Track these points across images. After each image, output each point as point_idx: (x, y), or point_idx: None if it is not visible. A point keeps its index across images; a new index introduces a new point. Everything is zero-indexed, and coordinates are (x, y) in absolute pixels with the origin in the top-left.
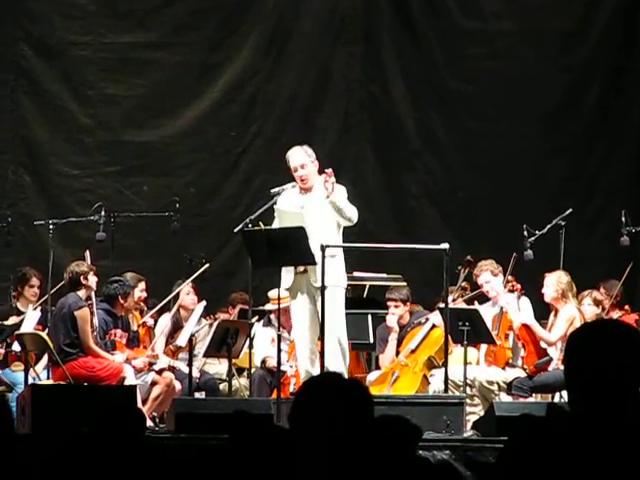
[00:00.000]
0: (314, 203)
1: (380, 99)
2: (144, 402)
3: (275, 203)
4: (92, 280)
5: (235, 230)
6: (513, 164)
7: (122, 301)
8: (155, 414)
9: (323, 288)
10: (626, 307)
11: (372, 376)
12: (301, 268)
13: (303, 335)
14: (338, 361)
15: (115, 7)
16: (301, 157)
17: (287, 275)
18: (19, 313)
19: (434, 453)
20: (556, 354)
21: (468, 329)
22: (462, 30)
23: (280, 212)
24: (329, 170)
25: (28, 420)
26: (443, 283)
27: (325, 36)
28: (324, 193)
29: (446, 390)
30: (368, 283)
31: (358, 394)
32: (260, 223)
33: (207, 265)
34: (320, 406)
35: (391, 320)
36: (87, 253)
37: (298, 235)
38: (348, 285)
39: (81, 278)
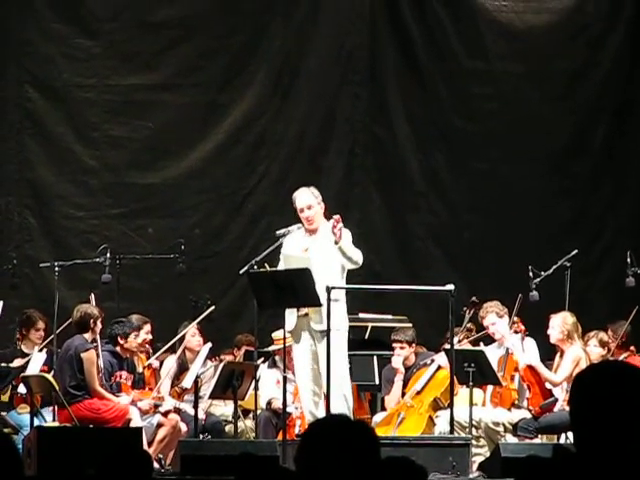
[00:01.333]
0: (319, 245)
1: (385, 140)
2: (150, 444)
3: (281, 245)
4: (99, 326)
5: (241, 272)
6: (518, 205)
7: (122, 341)
8: (161, 456)
9: (329, 330)
10: (631, 348)
11: (378, 417)
12: (303, 311)
13: (305, 378)
14: (341, 404)
15: (120, 49)
16: (307, 198)
17: (290, 317)
18: (24, 355)
19: None
20: (562, 395)
21: (474, 370)
22: (467, 71)
23: (286, 256)
24: (337, 216)
25: (34, 462)
26: (448, 324)
27: (330, 77)
28: (331, 237)
29: (452, 431)
30: (371, 324)
31: (364, 436)
32: (266, 265)
33: (213, 307)
34: (326, 448)
35: (397, 361)
36: (92, 296)
37: (303, 277)
38: (350, 326)
39: (91, 321)
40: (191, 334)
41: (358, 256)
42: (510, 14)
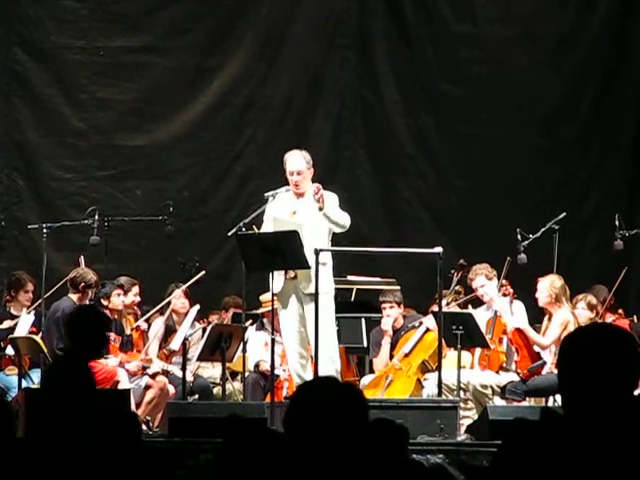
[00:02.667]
0: (307, 208)
1: (373, 104)
2: (138, 406)
3: (270, 207)
4: (89, 294)
5: (229, 234)
6: (507, 168)
7: (105, 302)
8: (149, 418)
9: (317, 293)
10: (620, 311)
11: (366, 380)
12: (291, 274)
13: (292, 341)
14: (328, 367)
15: (108, 11)
16: (298, 163)
17: (277, 280)
18: (12, 317)
19: (428, 457)
20: (550, 358)
21: (462, 333)
22: (455, 35)
23: (274, 219)
24: (317, 185)
25: (22, 424)
26: (437, 287)
27: (319, 41)
28: (316, 204)
29: (440, 394)
30: (359, 287)
31: (353, 398)
32: (254, 227)
33: (203, 272)
34: (315, 410)
35: (386, 323)
36: (81, 259)
37: (291, 239)
38: (338, 289)
39: (81, 285)
40: (176, 296)
41: (345, 220)
42: None
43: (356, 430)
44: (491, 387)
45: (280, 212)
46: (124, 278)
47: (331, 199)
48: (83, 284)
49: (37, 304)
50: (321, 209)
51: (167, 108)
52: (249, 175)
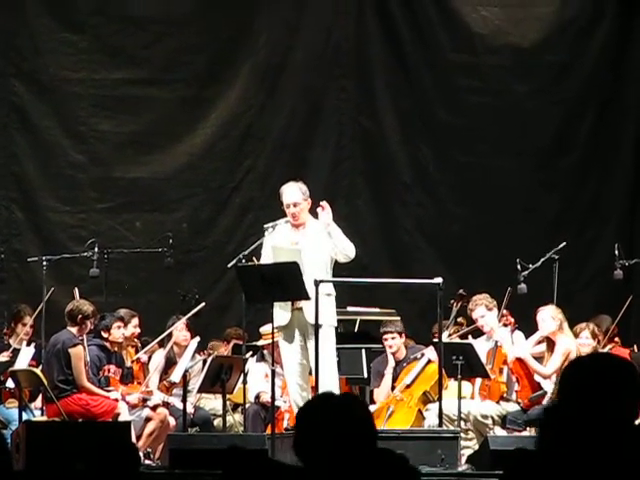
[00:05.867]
0: (307, 239)
1: (372, 133)
2: (138, 438)
3: (269, 238)
4: (88, 325)
5: (229, 265)
6: (506, 197)
7: (106, 334)
8: (150, 450)
9: (317, 324)
10: (616, 339)
11: None
12: (298, 304)
13: (293, 372)
14: None
15: (107, 43)
16: (294, 195)
17: (281, 313)
18: (12, 350)
19: None
20: (550, 388)
21: (462, 363)
22: (454, 63)
23: (276, 249)
24: (323, 202)
25: (22, 457)
26: (437, 317)
27: (317, 70)
28: (319, 232)
29: (440, 424)
30: (360, 318)
31: (356, 409)
32: (254, 258)
33: (203, 304)
34: (323, 426)
35: (389, 353)
36: (76, 291)
37: (291, 270)
38: (339, 320)
39: (79, 317)
40: (178, 329)
41: (349, 248)
42: (496, 22)
43: (364, 441)
44: (492, 417)
45: (281, 242)
46: (124, 310)
47: (336, 227)
48: (80, 316)
49: (31, 335)
50: (329, 225)
51: (166, 140)
52: (248, 206)
